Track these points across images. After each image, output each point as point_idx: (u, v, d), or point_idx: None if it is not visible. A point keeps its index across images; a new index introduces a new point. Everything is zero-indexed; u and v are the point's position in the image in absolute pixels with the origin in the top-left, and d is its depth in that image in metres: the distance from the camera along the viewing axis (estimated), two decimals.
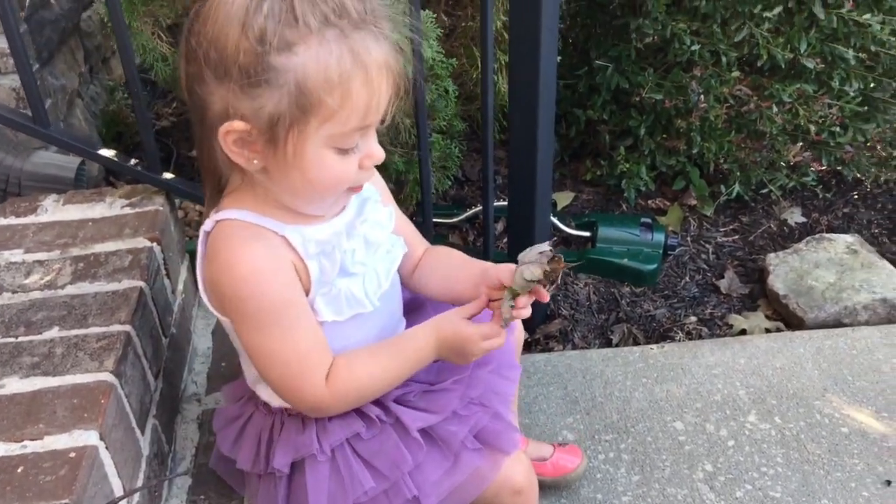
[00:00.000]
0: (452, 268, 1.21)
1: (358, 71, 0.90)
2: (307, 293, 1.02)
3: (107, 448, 1.03)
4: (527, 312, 1.07)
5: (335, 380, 1.03)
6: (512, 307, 1.05)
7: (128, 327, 1.19)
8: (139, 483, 1.12)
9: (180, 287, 1.54)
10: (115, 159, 1.51)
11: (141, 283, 1.28)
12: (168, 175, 1.53)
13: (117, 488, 1.05)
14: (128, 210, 1.47)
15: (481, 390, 1.14)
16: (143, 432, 1.18)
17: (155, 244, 1.39)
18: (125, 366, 1.15)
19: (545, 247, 1.04)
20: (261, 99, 0.89)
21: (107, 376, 1.10)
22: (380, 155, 0.99)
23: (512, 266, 1.07)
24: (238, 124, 0.91)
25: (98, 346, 1.15)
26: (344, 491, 1.06)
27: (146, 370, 1.24)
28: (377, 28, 0.92)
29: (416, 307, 1.25)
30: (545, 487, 1.49)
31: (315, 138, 0.92)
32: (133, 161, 1.52)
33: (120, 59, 1.50)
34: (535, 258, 1.03)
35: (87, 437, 1.00)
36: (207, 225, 1.03)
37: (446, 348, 1.07)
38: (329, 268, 1.03)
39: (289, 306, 1.00)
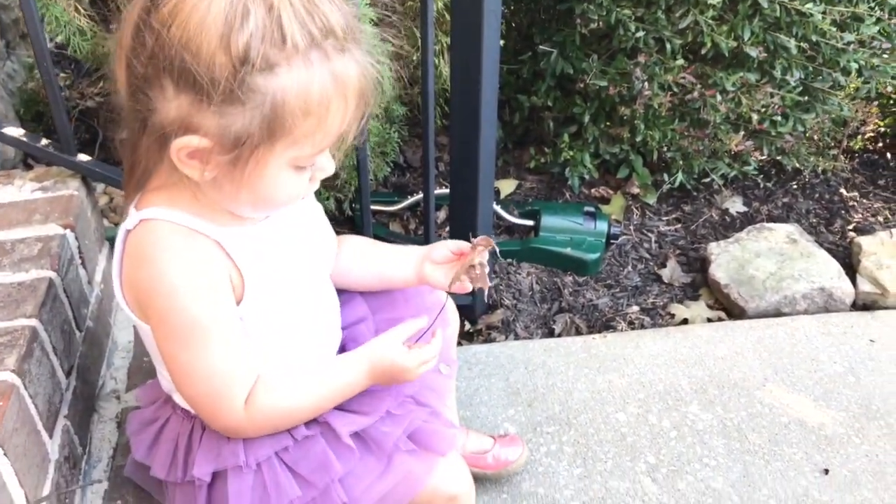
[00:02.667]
0: (385, 258, 1.16)
1: (337, 98, 0.85)
2: (240, 301, 0.95)
3: (5, 455, 0.94)
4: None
5: (255, 405, 0.97)
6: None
7: (34, 322, 1.10)
8: (46, 491, 1.03)
9: (98, 277, 1.44)
10: (24, 139, 1.40)
11: (51, 274, 1.19)
12: (84, 157, 1.42)
13: (18, 498, 0.96)
14: (39, 194, 1.36)
15: (417, 387, 1.09)
16: (51, 435, 1.09)
17: (68, 231, 1.29)
18: (30, 363, 1.05)
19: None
20: (230, 118, 0.82)
21: (7, 375, 1.00)
22: (331, 169, 0.94)
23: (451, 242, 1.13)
24: (196, 141, 0.83)
25: None
26: (268, 501, 0.99)
27: (56, 367, 1.15)
28: (358, 49, 0.86)
29: (345, 300, 1.19)
30: (486, 481, 1.45)
31: (278, 159, 0.86)
32: (45, 142, 1.41)
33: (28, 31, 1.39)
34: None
35: None
36: (129, 222, 0.93)
37: (381, 377, 1.03)
38: (264, 273, 0.96)
39: (217, 323, 0.93)
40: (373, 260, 1.20)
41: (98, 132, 2.27)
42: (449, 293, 1.25)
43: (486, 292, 1.13)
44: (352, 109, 0.88)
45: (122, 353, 1.44)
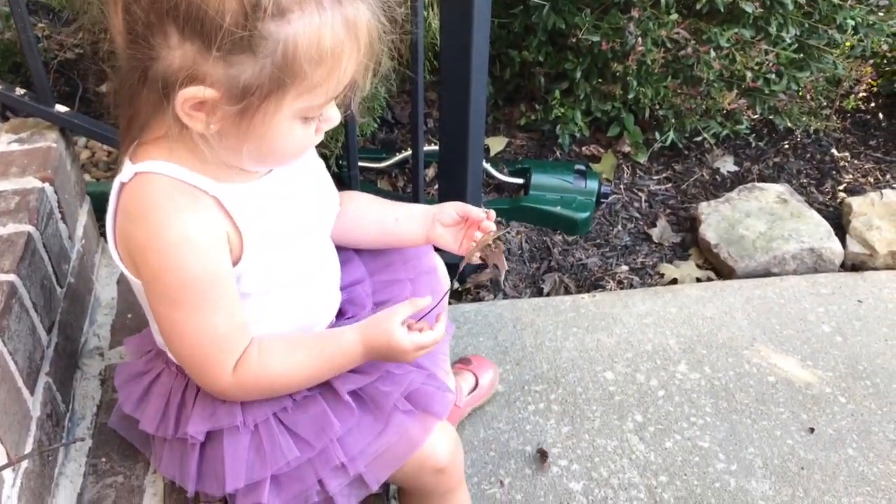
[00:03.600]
0: (393, 217, 1.14)
1: (350, 44, 0.81)
2: (237, 262, 0.92)
3: None
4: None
5: (244, 370, 0.95)
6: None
7: (12, 277, 1.07)
8: (28, 448, 1.02)
9: (79, 232, 1.41)
10: None
11: (29, 228, 1.15)
12: (62, 108, 1.38)
13: (0, 456, 0.94)
14: (15, 146, 1.32)
15: None
16: (32, 392, 1.07)
17: (47, 184, 1.26)
18: (8, 320, 1.03)
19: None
20: (239, 66, 0.78)
21: None
22: (337, 120, 0.91)
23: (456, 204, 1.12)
24: (204, 91, 0.80)
25: None
26: (264, 461, 0.98)
27: (36, 324, 1.12)
28: None
29: (343, 260, 1.16)
30: (475, 438, 1.45)
31: (287, 110, 0.83)
32: (20, 91, 1.37)
33: None
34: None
35: None
36: (125, 174, 0.89)
37: (376, 354, 1.00)
38: (263, 231, 0.93)
39: (213, 285, 0.90)
40: (380, 218, 1.17)
41: (78, 84, 2.21)
42: (437, 252, 1.24)
43: (502, 273, 1.10)
44: (363, 54, 0.84)
45: (106, 309, 1.41)
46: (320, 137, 0.92)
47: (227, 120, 0.82)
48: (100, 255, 1.51)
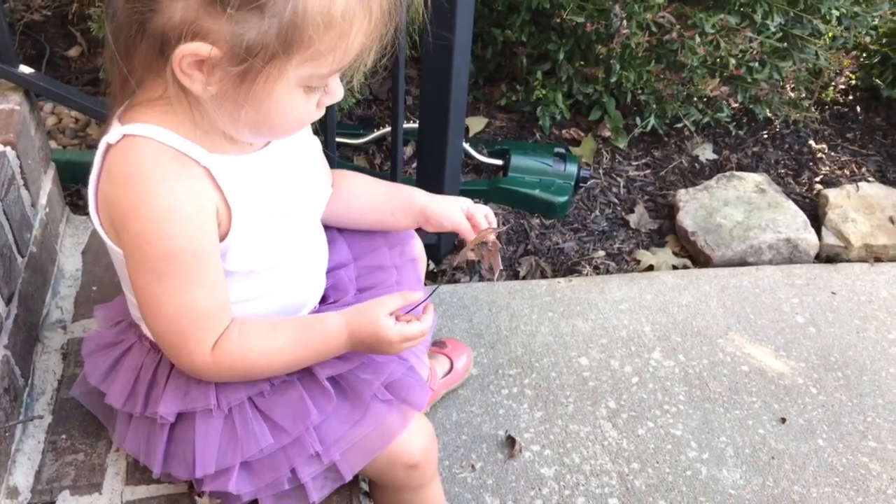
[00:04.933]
0: (381, 199, 1.12)
1: (362, 13, 0.77)
2: (224, 238, 0.88)
3: None
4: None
5: (222, 350, 0.90)
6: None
7: None
8: None
9: (43, 200, 1.35)
10: None
11: None
12: (26, 69, 1.32)
13: None
14: None
15: None
16: None
17: (9, 148, 1.20)
18: None
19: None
20: (244, 24, 0.74)
21: None
22: (340, 94, 0.87)
23: (449, 201, 1.10)
24: (205, 48, 0.75)
25: None
26: (236, 447, 0.94)
27: None
28: None
29: (328, 241, 1.12)
30: (447, 422, 1.43)
31: (290, 76, 0.79)
32: None
33: None
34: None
35: None
36: (112, 135, 0.84)
37: (361, 344, 0.96)
38: (253, 208, 0.89)
39: (197, 258, 0.85)
40: (377, 206, 1.13)
41: (45, 48, 2.13)
42: (417, 232, 1.21)
43: (496, 273, 1.07)
44: (375, 24, 0.80)
45: (69, 281, 1.36)
46: (321, 112, 0.88)
47: (226, 82, 0.78)
48: (64, 224, 1.46)
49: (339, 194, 1.09)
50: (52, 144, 1.90)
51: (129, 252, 0.87)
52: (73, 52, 2.16)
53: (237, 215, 0.87)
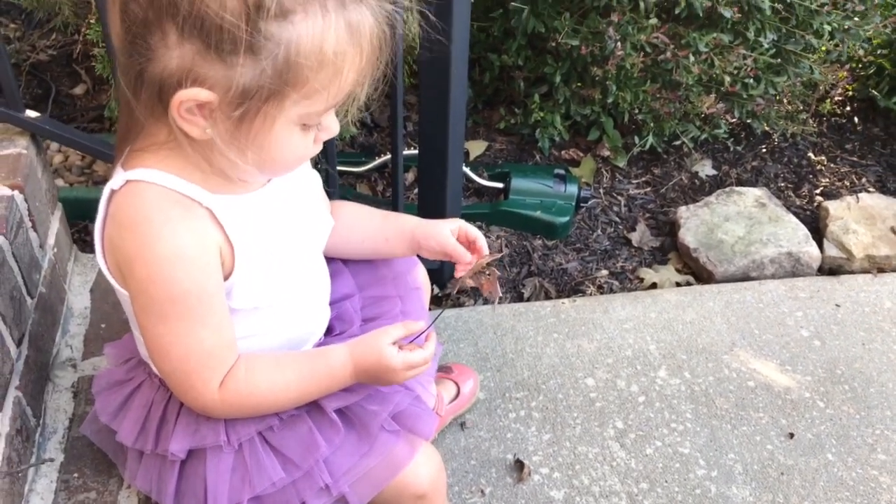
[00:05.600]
0: (382, 232, 1.13)
1: (353, 49, 0.79)
2: (228, 276, 0.90)
3: None
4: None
5: (230, 387, 0.92)
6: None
7: None
8: None
9: (51, 241, 1.38)
10: None
11: None
12: (32, 113, 1.34)
13: None
14: None
15: None
16: (0, 408, 1.04)
17: (17, 192, 1.23)
18: None
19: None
20: (240, 68, 0.76)
21: None
22: (336, 129, 0.89)
23: (437, 224, 1.10)
24: (203, 94, 0.77)
25: None
26: (248, 483, 0.95)
27: (4, 336, 1.09)
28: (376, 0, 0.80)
29: (332, 273, 1.14)
30: (455, 447, 1.44)
31: (287, 116, 0.81)
32: None
33: None
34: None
35: None
36: (116, 181, 0.87)
37: (366, 374, 0.97)
38: (256, 246, 0.91)
39: (202, 299, 0.87)
40: (371, 235, 1.15)
41: (51, 87, 2.17)
42: (421, 259, 1.22)
43: (495, 299, 1.07)
44: (366, 61, 0.82)
45: (78, 319, 1.38)
46: (318, 148, 0.90)
47: (225, 124, 0.80)
48: (72, 263, 1.48)
49: (337, 220, 1.11)
50: (59, 182, 1.93)
51: (135, 295, 0.89)
52: (79, 90, 2.19)
53: (240, 254, 0.89)
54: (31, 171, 1.30)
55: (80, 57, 2.21)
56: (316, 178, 1.06)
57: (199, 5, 0.73)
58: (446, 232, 1.10)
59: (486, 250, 1.10)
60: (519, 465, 1.42)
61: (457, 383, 1.49)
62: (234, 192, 0.90)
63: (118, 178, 0.87)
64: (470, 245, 1.10)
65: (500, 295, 1.11)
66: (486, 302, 1.81)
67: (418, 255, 1.19)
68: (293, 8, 0.75)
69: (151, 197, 0.85)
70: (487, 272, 1.05)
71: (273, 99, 0.78)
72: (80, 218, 1.74)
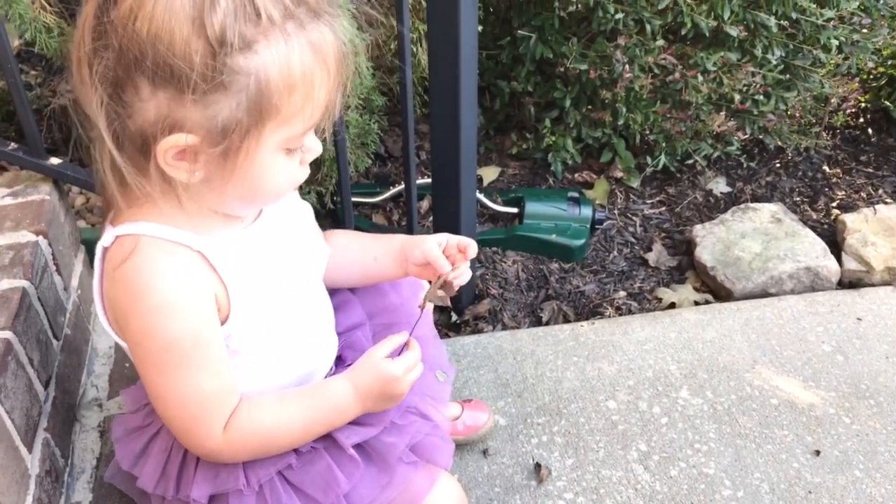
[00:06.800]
0: (370, 255, 1.13)
1: (319, 68, 0.81)
2: (225, 320, 0.91)
3: None
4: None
5: (234, 429, 0.93)
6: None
7: (8, 334, 1.06)
8: None
9: (75, 283, 1.41)
10: None
11: (24, 283, 1.15)
12: (55, 160, 1.38)
13: None
14: (9, 200, 1.32)
15: (417, 396, 1.06)
16: (30, 449, 1.06)
17: (41, 238, 1.26)
18: (5, 377, 1.02)
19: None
20: (215, 107, 0.78)
21: None
22: (318, 149, 0.90)
23: (424, 237, 1.09)
24: (183, 138, 0.79)
25: None
26: None
27: (33, 379, 1.12)
28: (331, 15, 0.82)
29: (341, 302, 1.15)
30: (478, 475, 1.43)
31: (268, 143, 0.82)
32: (13, 146, 1.37)
33: None
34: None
35: None
36: (106, 238, 0.88)
37: (370, 398, 0.98)
38: (252, 284, 0.92)
39: (197, 346, 0.88)
40: (360, 258, 1.16)
41: (71, 132, 2.22)
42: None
43: (446, 304, 1.10)
44: (333, 77, 0.84)
45: (103, 359, 1.40)
46: (306, 171, 0.91)
47: (210, 164, 0.81)
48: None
49: (328, 250, 1.12)
50: (81, 223, 1.97)
51: (132, 347, 0.90)
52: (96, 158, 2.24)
53: (236, 296, 0.90)
54: (54, 217, 1.34)
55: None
56: (307, 210, 1.08)
57: (164, 53, 0.75)
58: (431, 242, 1.09)
59: (463, 259, 1.09)
60: (538, 468, 1.42)
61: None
62: (223, 231, 0.91)
63: (108, 235, 0.88)
64: (461, 253, 1.09)
65: (448, 304, 1.16)
66: (504, 327, 1.81)
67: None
68: (255, 38, 0.76)
69: (140, 249, 0.85)
70: (447, 283, 1.06)
71: (253, 129, 0.80)
72: None
